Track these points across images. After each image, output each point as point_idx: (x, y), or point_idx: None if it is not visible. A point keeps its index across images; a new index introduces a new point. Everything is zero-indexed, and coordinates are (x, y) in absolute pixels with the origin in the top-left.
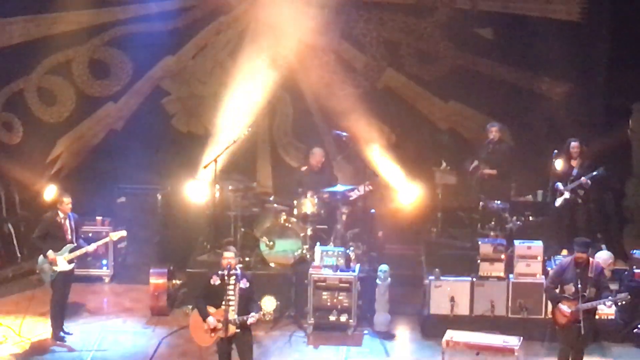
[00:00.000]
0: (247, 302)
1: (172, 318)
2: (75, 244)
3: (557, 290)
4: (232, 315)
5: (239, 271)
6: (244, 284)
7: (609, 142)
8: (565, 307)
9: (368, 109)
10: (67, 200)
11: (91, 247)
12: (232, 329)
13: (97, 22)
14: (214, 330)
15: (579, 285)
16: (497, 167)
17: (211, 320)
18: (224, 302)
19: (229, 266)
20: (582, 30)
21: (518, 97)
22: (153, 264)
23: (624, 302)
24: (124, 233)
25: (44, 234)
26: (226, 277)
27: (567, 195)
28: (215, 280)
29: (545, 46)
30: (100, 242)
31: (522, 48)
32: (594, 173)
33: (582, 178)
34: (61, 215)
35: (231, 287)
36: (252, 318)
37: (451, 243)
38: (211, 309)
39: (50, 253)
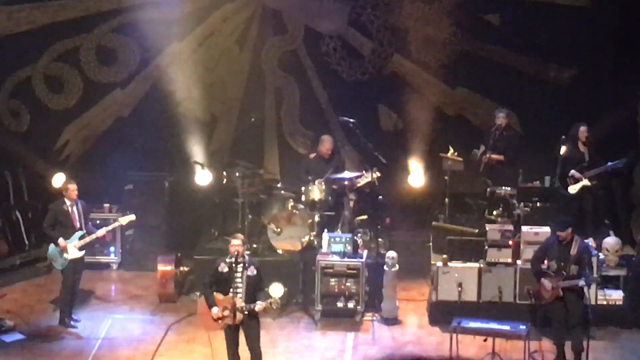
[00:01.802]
0: (255, 290)
1: (180, 305)
2: (85, 231)
3: (542, 266)
4: (240, 303)
5: (247, 258)
6: (251, 271)
7: (617, 128)
8: (546, 282)
9: (375, 95)
10: (72, 187)
11: (100, 232)
12: (240, 317)
13: (104, 9)
14: (221, 318)
15: (562, 263)
16: (504, 154)
17: (215, 310)
18: (231, 290)
19: (236, 253)
20: (590, 16)
21: (525, 83)
22: (160, 251)
23: (594, 284)
24: (132, 217)
25: (52, 223)
26: (234, 265)
27: (586, 182)
28: (223, 268)
29: (552, 32)
30: (109, 227)
31: (529, 34)
32: (618, 163)
33: (609, 164)
34: (68, 202)
35: (239, 274)
36: (259, 305)
37: (459, 229)
38: (219, 296)
39: (61, 240)
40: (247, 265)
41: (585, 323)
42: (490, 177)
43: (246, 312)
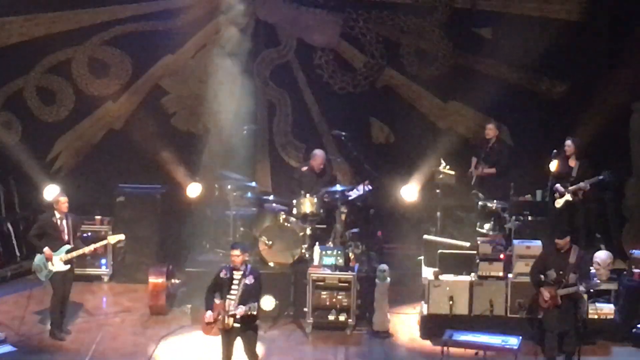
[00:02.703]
0: (248, 298)
1: (171, 317)
2: (72, 245)
3: (542, 277)
4: (228, 307)
5: (248, 267)
6: (249, 280)
7: (608, 141)
8: (545, 292)
9: (367, 108)
10: (63, 200)
11: (88, 249)
12: (229, 322)
13: (96, 21)
14: (212, 322)
15: (560, 272)
16: (496, 166)
17: (208, 314)
18: (227, 295)
19: (235, 263)
20: (582, 30)
21: (517, 96)
22: (152, 263)
23: (595, 289)
24: (122, 237)
25: (40, 234)
26: (234, 271)
27: (568, 197)
28: (225, 274)
29: (544, 46)
30: (97, 245)
31: (521, 48)
32: (600, 177)
33: (581, 183)
34: (57, 215)
35: (236, 281)
36: (239, 309)
37: (450, 242)
38: (217, 301)
39: (47, 250)
40: (246, 273)
41: (578, 335)
42: (482, 191)
43: (236, 319)
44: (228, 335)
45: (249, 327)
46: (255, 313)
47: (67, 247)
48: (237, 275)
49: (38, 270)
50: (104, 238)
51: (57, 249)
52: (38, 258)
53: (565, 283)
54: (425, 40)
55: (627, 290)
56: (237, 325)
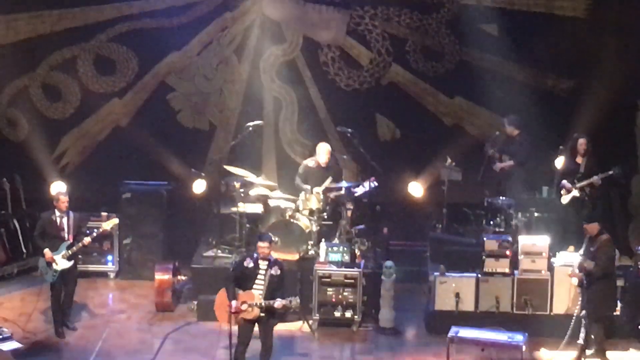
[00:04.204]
0: (275, 289)
1: (177, 314)
2: (72, 242)
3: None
4: (259, 299)
5: (272, 258)
6: (275, 270)
7: (615, 138)
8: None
9: (373, 105)
10: (63, 199)
11: (86, 240)
12: (257, 312)
13: (102, 18)
14: (238, 312)
15: (584, 257)
16: (514, 157)
17: (234, 303)
18: (253, 286)
19: (264, 255)
20: (588, 26)
21: (523, 93)
22: (158, 260)
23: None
24: (116, 221)
25: (41, 232)
26: (260, 261)
27: (575, 193)
28: (249, 263)
29: (550, 42)
30: (94, 234)
31: (527, 44)
32: (610, 172)
33: (594, 177)
34: (57, 213)
35: (262, 271)
36: (278, 302)
37: (456, 239)
38: (239, 291)
39: (47, 251)
40: (271, 264)
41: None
42: (500, 187)
43: (264, 308)
44: (248, 323)
45: (270, 315)
46: (297, 308)
47: (67, 243)
48: (263, 265)
49: (44, 273)
50: (111, 234)
51: (58, 247)
52: (41, 261)
53: (580, 265)
54: (431, 37)
55: (633, 287)
56: (262, 315)
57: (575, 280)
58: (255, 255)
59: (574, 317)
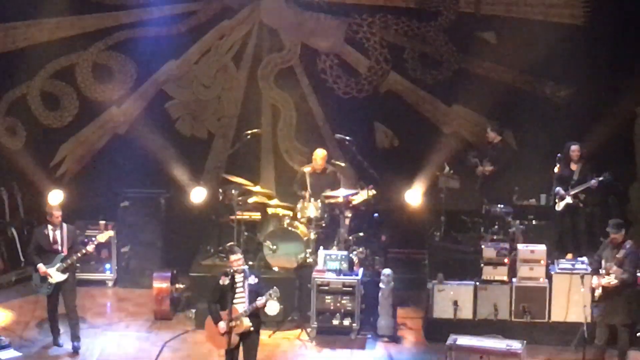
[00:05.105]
0: (257, 297)
1: (175, 322)
2: (67, 254)
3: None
4: (242, 309)
5: (246, 269)
6: (252, 279)
7: (613, 146)
8: (594, 280)
9: (371, 112)
10: (57, 214)
11: (80, 253)
12: (246, 323)
13: (100, 26)
14: (229, 331)
15: (608, 264)
16: (495, 163)
17: (222, 325)
18: (234, 299)
19: (238, 267)
20: (586, 34)
21: (521, 100)
22: (156, 268)
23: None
24: (111, 233)
25: (36, 247)
26: (235, 275)
27: (569, 199)
28: (225, 280)
29: (548, 50)
30: (89, 247)
31: (525, 51)
32: (600, 178)
33: (592, 181)
34: (50, 227)
35: (240, 283)
36: (259, 301)
37: (454, 247)
38: (223, 313)
39: (40, 266)
40: (247, 274)
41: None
42: (487, 195)
43: (250, 313)
44: (233, 349)
45: (254, 332)
46: (277, 297)
47: (62, 256)
48: (239, 278)
49: (38, 287)
50: (108, 243)
51: (52, 261)
52: (35, 276)
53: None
54: (429, 44)
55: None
56: (250, 324)
57: (598, 285)
58: (229, 270)
59: (584, 324)
